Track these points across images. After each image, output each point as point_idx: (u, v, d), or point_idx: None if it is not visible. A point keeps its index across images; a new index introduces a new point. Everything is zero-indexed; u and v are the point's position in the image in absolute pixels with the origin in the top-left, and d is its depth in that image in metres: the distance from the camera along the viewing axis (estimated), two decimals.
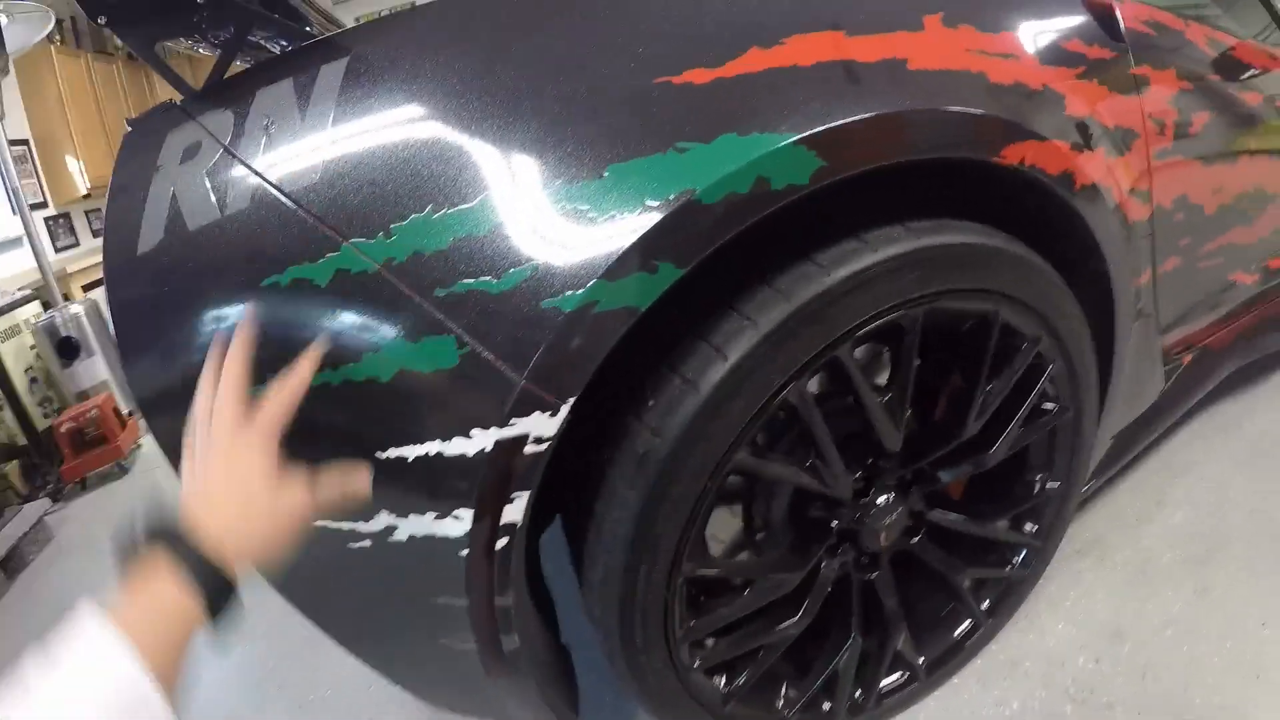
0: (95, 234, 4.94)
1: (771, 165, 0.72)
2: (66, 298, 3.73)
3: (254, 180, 0.76)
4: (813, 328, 0.80)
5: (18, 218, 3.71)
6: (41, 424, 3.55)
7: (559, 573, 1.05)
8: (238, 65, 0.95)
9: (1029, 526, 1.21)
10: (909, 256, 0.84)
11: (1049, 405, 1.11)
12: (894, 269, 0.83)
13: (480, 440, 0.69)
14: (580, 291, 0.67)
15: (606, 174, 0.70)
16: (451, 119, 0.74)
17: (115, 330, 0.80)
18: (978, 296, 0.94)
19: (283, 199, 0.74)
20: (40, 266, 3.58)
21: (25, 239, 3.69)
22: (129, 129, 0.85)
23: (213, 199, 0.76)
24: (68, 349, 3.54)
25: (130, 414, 3.62)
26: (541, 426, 0.70)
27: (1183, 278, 1.40)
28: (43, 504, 3.03)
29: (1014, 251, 0.96)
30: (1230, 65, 1.47)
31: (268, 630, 1.70)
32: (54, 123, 4.47)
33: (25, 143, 4.36)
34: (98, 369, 3.61)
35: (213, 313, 0.76)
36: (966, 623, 1.19)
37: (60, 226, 4.59)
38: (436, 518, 0.73)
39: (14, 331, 3.59)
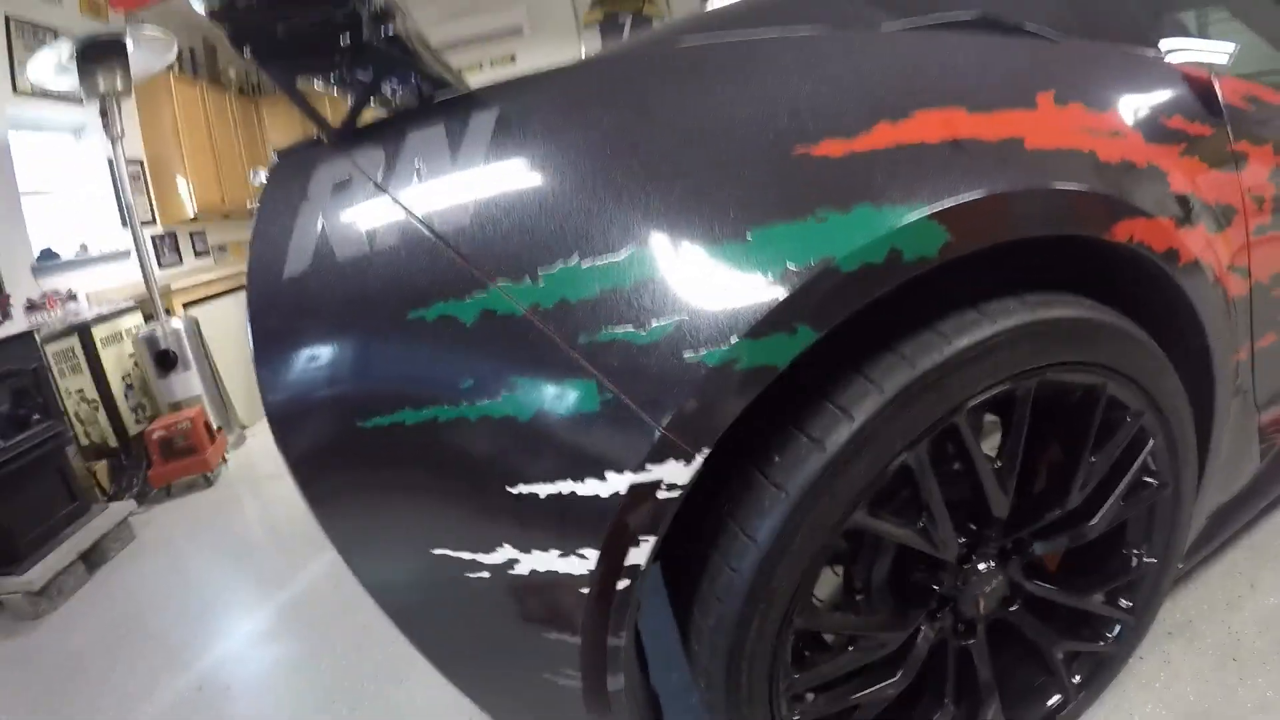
0: (198, 254, 5.19)
1: (904, 238, 0.74)
2: (168, 312, 3.91)
3: (404, 217, 0.79)
4: (934, 394, 0.82)
5: (128, 231, 3.91)
6: (133, 429, 3.74)
7: (654, 617, 1.08)
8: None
9: (1124, 602, 1.19)
10: (1025, 329, 0.85)
11: (1149, 480, 1.11)
12: (1011, 340, 0.85)
13: (614, 483, 0.72)
14: (723, 348, 0.70)
15: (750, 236, 0.73)
16: (599, 174, 0.78)
17: (253, 346, 0.83)
18: (1087, 369, 0.95)
19: (433, 238, 0.78)
20: (145, 280, 3.77)
21: (133, 253, 3.88)
22: (277, 159, 0.89)
23: (362, 232, 0.80)
24: (165, 361, 3.72)
25: (220, 429, 3.78)
26: (675, 474, 0.72)
27: None
28: (128, 505, 3.17)
29: (1122, 326, 0.97)
30: None
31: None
32: (167, 146, 4.71)
33: (140, 163, 4.62)
34: (192, 383, 3.79)
35: (356, 339, 0.80)
36: (1056, 696, 1.17)
37: (166, 245, 4.83)
38: (561, 555, 0.75)
39: (116, 339, 3.79)
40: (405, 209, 0.80)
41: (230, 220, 5.51)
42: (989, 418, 1.13)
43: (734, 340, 0.70)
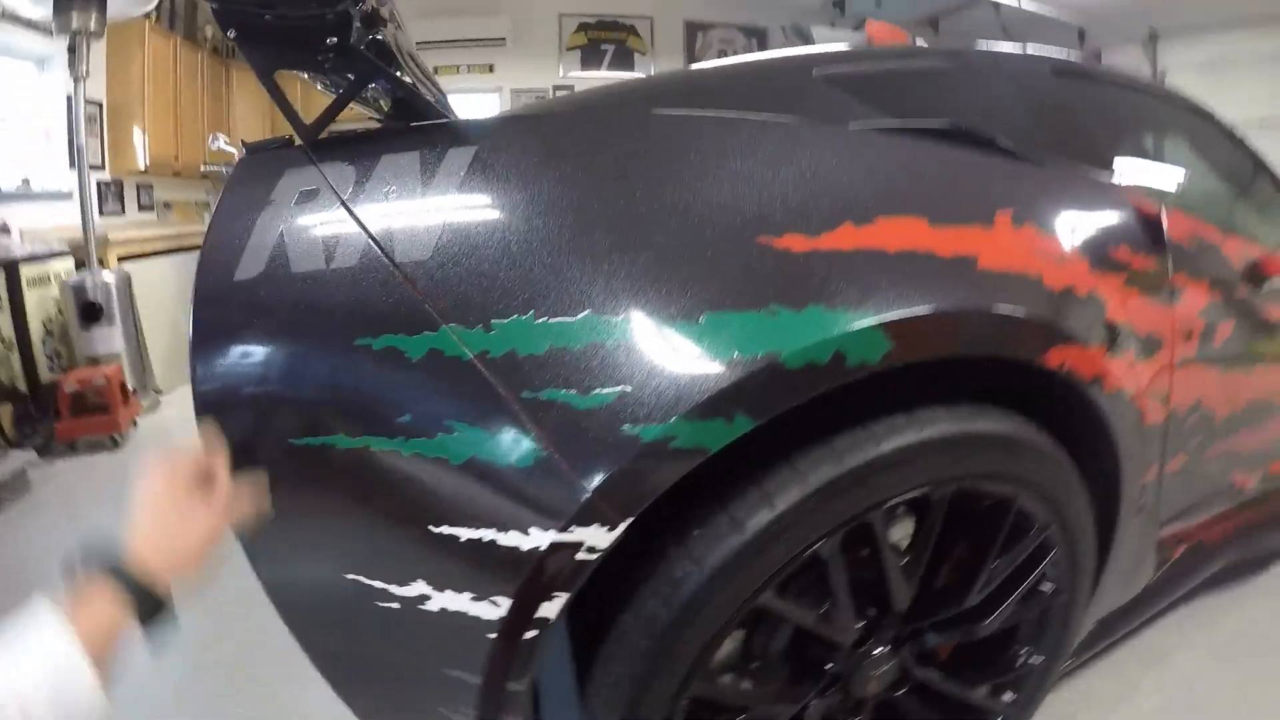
0: (142, 208, 5.03)
1: (849, 343, 0.78)
2: (102, 263, 3.78)
3: (365, 241, 0.79)
4: (855, 491, 0.85)
5: (74, 173, 3.79)
6: (46, 377, 3.58)
7: (553, 665, 1.08)
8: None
9: (1007, 696, 1.23)
10: (950, 440, 0.89)
11: (1046, 587, 1.15)
12: (936, 449, 0.88)
13: (536, 539, 0.73)
14: (661, 425, 0.72)
15: (703, 319, 0.75)
16: (566, 231, 0.79)
17: (192, 340, 0.81)
18: (1003, 481, 0.99)
19: (391, 267, 0.78)
20: (84, 226, 3.64)
21: (76, 196, 3.76)
22: (246, 153, 0.88)
23: (321, 248, 0.79)
24: (90, 312, 3.59)
25: (135, 391, 3.65)
26: (597, 538, 0.74)
27: (1187, 476, 1.45)
28: (28, 455, 3.04)
29: (1041, 445, 1.01)
30: (1256, 276, 1.55)
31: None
32: (130, 94, 4.58)
33: (99, 105, 4.47)
34: (114, 339, 3.66)
35: (298, 354, 0.80)
36: None
37: (110, 192, 4.67)
38: (473, 598, 0.76)
39: (43, 282, 3.65)
40: (368, 233, 0.79)
41: (180, 179, 5.36)
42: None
43: (673, 420, 0.72)
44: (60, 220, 4.03)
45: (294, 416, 0.79)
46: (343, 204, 0.81)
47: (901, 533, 1.07)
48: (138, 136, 4.63)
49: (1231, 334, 1.45)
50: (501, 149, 0.85)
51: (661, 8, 7.07)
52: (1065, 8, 5.68)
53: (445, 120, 0.89)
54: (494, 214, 0.81)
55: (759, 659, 1.05)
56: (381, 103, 1.18)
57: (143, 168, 4.72)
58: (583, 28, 6.94)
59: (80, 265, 3.77)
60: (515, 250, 0.78)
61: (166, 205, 5.33)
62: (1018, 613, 1.14)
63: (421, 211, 0.81)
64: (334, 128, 0.89)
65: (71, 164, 3.93)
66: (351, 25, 0.84)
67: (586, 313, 0.75)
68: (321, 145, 0.86)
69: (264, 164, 0.86)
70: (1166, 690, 1.54)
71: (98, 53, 4.04)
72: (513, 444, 0.73)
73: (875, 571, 0.98)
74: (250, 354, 0.80)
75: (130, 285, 3.85)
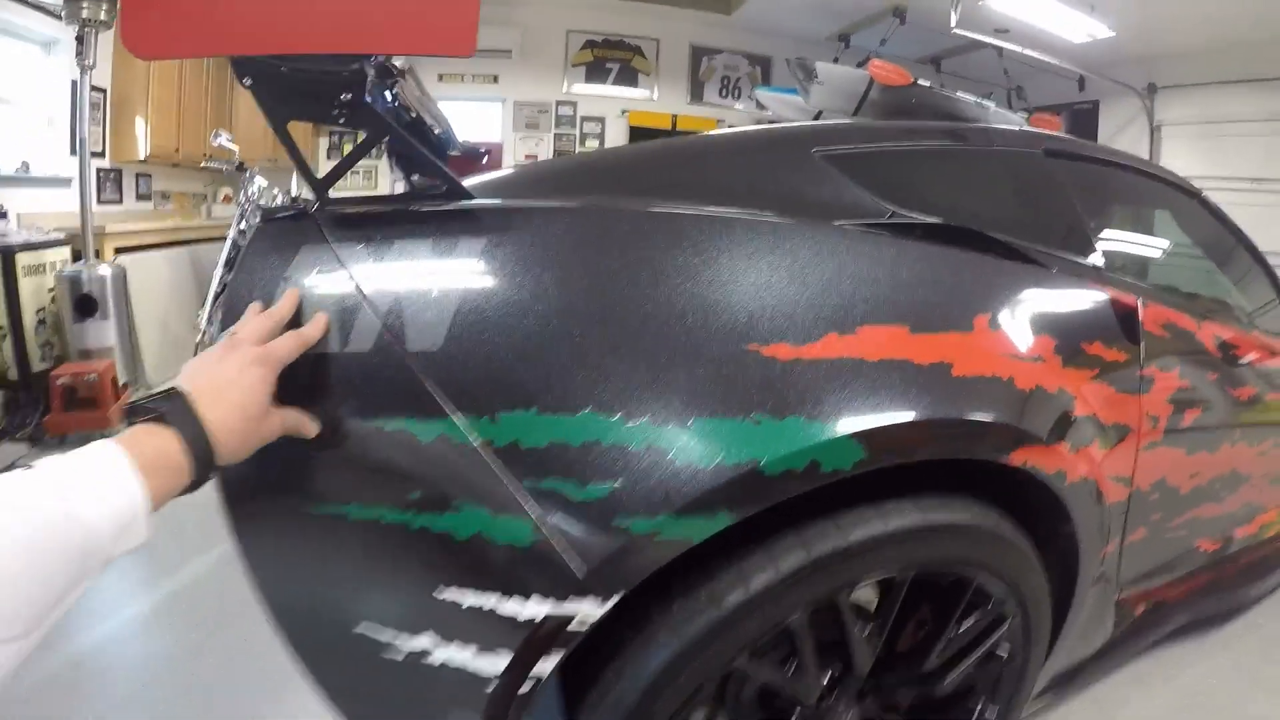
0: (140, 198, 5.06)
1: (824, 452, 0.84)
2: (98, 254, 3.80)
3: (380, 327, 0.84)
4: (823, 576, 0.92)
5: (75, 160, 3.79)
6: (37, 366, 3.59)
7: (546, 711, 1.14)
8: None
9: None
10: (914, 531, 0.96)
11: (1002, 650, 1.22)
12: (900, 539, 0.95)
13: (535, 608, 0.79)
14: (650, 520, 0.79)
15: (691, 424, 0.82)
16: (569, 329, 0.85)
17: None
18: (963, 565, 1.06)
19: (403, 356, 0.83)
20: (82, 217, 3.66)
21: (75, 183, 3.76)
22: (262, 222, 0.91)
23: (337, 330, 0.84)
24: (85, 305, 3.61)
25: (126, 386, 3.66)
26: (589, 610, 0.80)
27: (1148, 546, 1.51)
28: (19, 448, 3.06)
29: (1002, 531, 1.08)
30: (1227, 358, 1.61)
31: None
32: (135, 83, 4.60)
33: (104, 91, 4.48)
34: (107, 333, 3.68)
35: (315, 428, 0.83)
36: None
37: (109, 180, 4.69)
38: (475, 655, 0.82)
39: (39, 270, 3.66)
40: (382, 321, 0.84)
41: (180, 170, 5.37)
42: None
43: (660, 516, 0.79)
44: (58, 206, 4.04)
45: (310, 485, 0.85)
46: (358, 290, 0.85)
47: (867, 596, 1.13)
48: (140, 125, 4.64)
49: (1200, 415, 1.51)
50: (508, 244, 0.90)
51: (668, 31, 7.18)
52: (1066, 55, 5.76)
53: (456, 206, 0.93)
54: (502, 308, 0.86)
55: (733, 706, 1.11)
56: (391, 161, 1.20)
57: (143, 157, 4.73)
58: (589, 45, 7.03)
59: (77, 256, 3.78)
60: (523, 346, 0.84)
61: (165, 196, 5.34)
62: (974, 674, 1.20)
63: (434, 301, 0.85)
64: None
65: (73, 151, 3.94)
66: (365, 81, 0.88)
67: (586, 410, 0.81)
68: (337, 222, 0.90)
69: (280, 234, 0.90)
70: None
71: (106, 39, 4.05)
72: (514, 526, 0.79)
73: (840, 636, 1.04)
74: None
75: (125, 279, 3.87)
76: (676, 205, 1.01)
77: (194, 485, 0.70)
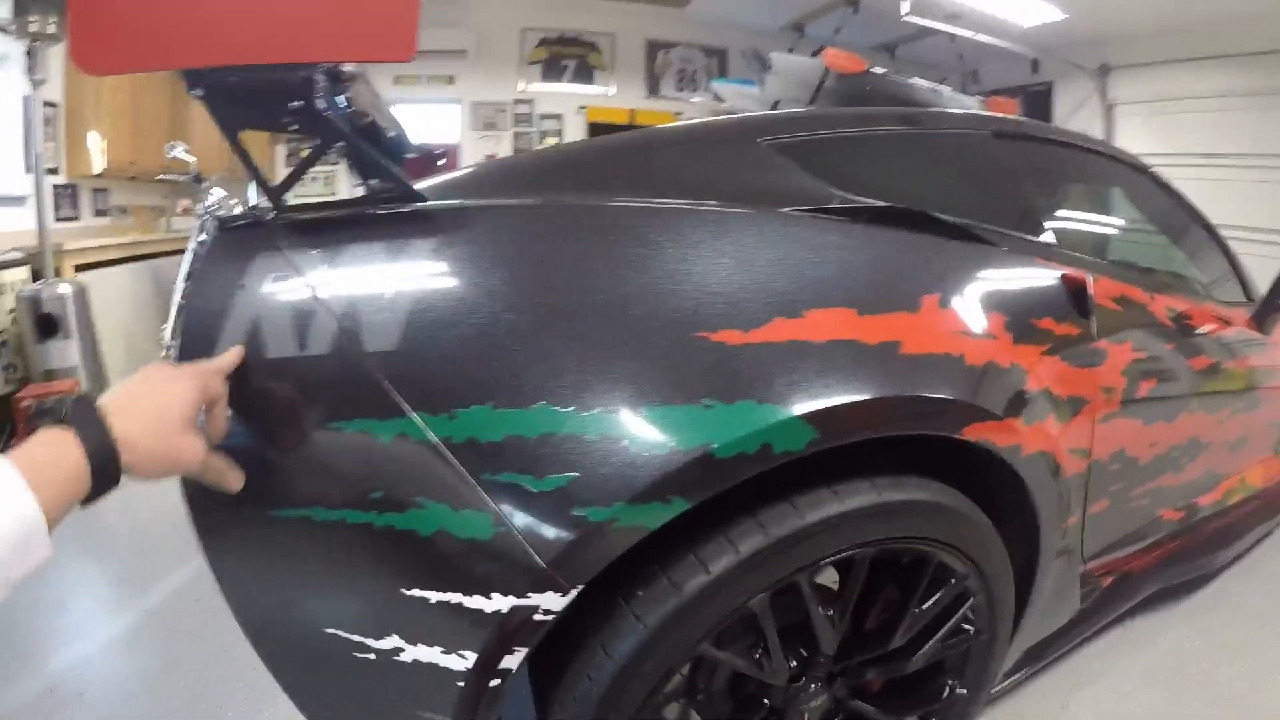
0: (98, 213, 4.95)
1: (776, 434, 0.86)
2: (58, 272, 3.74)
3: (336, 329, 0.84)
4: (782, 558, 0.94)
5: (31, 177, 3.73)
6: (1, 390, 3.53)
7: (517, 705, 1.15)
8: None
9: None
10: (871, 509, 0.98)
11: (968, 627, 1.24)
12: (857, 518, 0.97)
13: (499, 603, 0.81)
14: (606, 508, 0.80)
15: (643, 412, 0.83)
16: (524, 327, 0.87)
17: None
18: (921, 542, 1.08)
19: (361, 357, 0.84)
20: (40, 235, 3.60)
21: (30, 201, 3.70)
22: (218, 232, 0.91)
23: (294, 335, 0.85)
24: (46, 325, 3.54)
25: None
26: (552, 602, 0.82)
27: (1110, 517, 1.55)
28: None
29: (959, 506, 1.10)
30: (1182, 329, 1.65)
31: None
32: (88, 96, 4.50)
33: (56, 106, 4.39)
34: (70, 353, 3.62)
35: (277, 435, 0.85)
36: None
37: (65, 196, 4.59)
38: (443, 652, 0.84)
39: None
40: (339, 323, 0.85)
41: (137, 183, 5.26)
42: None
43: (616, 504, 0.80)
44: (13, 225, 3.94)
45: (273, 489, 0.85)
46: (314, 296, 0.86)
47: (831, 577, 1.15)
48: (94, 140, 4.55)
49: (1155, 386, 1.54)
50: (459, 244, 0.91)
51: (623, 26, 7.16)
52: (1019, 39, 5.84)
53: (408, 208, 0.94)
54: (454, 307, 0.87)
55: (703, 692, 1.13)
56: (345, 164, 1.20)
57: (98, 171, 4.64)
58: (544, 43, 7.01)
59: (36, 275, 3.71)
60: (478, 343, 0.85)
61: (123, 210, 5.24)
62: (941, 650, 1.23)
63: (388, 303, 0.86)
64: None
65: (27, 169, 3.87)
66: (315, 88, 0.87)
67: (540, 404, 0.83)
68: (291, 229, 0.91)
69: (236, 244, 0.90)
70: (1099, 710, 1.62)
71: (57, 52, 3.98)
72: (475, 520, 0.81)
73: (804, 618, 1.06)
74: (231, 432, 0.84)
75: (86, 297, 3.80)
76: (625, 199, 1.03)
77: (93, 496, 0.67)
